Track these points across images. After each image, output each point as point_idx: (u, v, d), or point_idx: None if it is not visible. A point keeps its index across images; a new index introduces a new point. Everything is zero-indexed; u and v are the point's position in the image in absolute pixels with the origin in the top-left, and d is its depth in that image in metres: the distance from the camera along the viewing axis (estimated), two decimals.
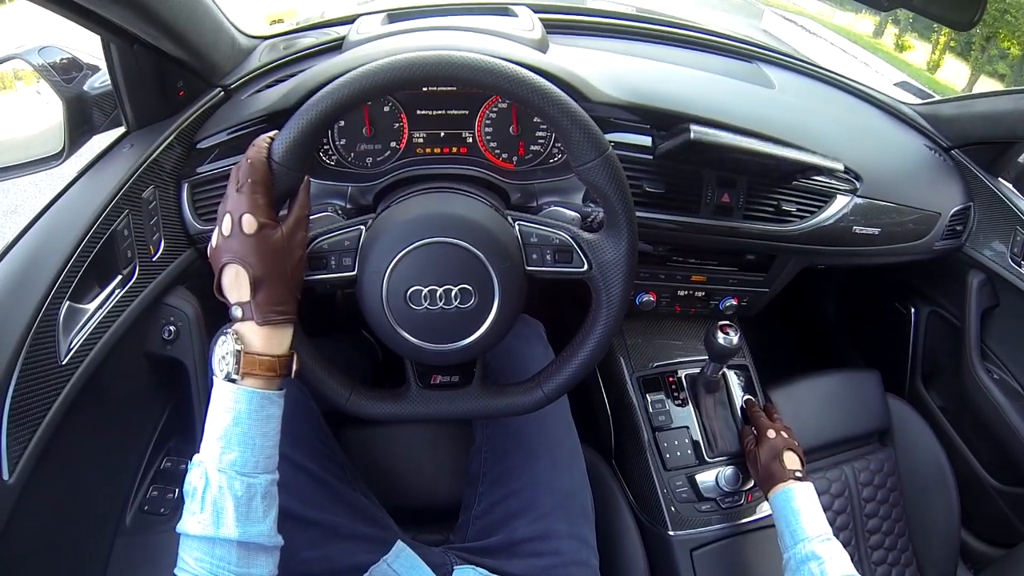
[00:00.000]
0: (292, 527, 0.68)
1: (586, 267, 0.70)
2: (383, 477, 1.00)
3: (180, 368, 0.90)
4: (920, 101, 1.41)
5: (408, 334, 0.68)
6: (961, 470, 1.36)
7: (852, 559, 1.24)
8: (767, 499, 0.95)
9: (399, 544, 0.85)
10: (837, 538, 1.23)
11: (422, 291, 0.66)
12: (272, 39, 1.09)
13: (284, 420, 0.66)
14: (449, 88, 0.89)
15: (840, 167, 0.98)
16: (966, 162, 1.33)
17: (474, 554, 0.88)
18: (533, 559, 0.86)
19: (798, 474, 0.95)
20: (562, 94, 0.64)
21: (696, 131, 0.87)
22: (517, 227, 0.71)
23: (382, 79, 0.62)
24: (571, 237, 0.70)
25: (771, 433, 1.02)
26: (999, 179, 1.32)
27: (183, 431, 0.98)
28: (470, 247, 0.66)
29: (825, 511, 1.22)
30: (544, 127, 0.93)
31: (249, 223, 0.59)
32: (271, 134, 0.64)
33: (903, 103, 1.37)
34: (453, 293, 0.66)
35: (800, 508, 0.90)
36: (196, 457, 0.61)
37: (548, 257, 0.71)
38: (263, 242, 0.60)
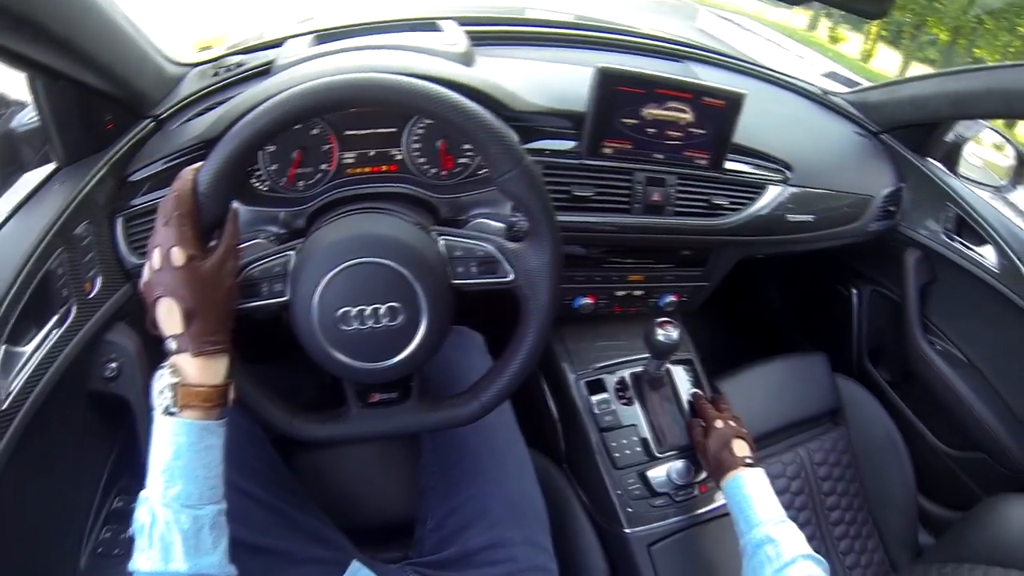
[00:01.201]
0: (244, 555, 0.66)
1: (511, 276, 0.69)
2: (337, 498, 0.96)
3: (125, 405, 0.86)
4: (849, 89, 1.39)
5: (342, 355, 0.66)
6: (913, 440, 1.35)
7: (814, 538, 1.25)
8: (720, 488, 0.92)
9: (354, 564, 0.82)
10: (797, 519, 1.23)
11: (351, 312, 0.64)
12: (202, 66, 1.04)
13: (232, 448, 0.64)
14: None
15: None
16: (895, 145, 1.33)
17: (431, 568, 0.85)
18: (489, 568, 0.83)
19: (748, 461, 0.92)
20: (477, 108, 0.63)
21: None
22: (441, 242, 0.69)
23: (299, 106, 0.60)
24: (495, 248, 0.69)
25: (718, 423, 0.99)
26: (928, 159, 1.32)
27: (133, 469, 0.92)
28: (394, 265, 0.65)
29: (783, 494, 1.22)
30: None
31: (178, 256, 0.58)
32: (196, 166, 0.62)
33: (832, 92, 1.36)
34: (381, 312, 0.65)
35: (752, 494, 0.87)
36: (142, 493, 0.58)
37: (473, 269, 0.69)
38: (193, 274, 0.58)
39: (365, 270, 0.64)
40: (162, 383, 0.58)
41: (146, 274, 0.61)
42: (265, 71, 0.96)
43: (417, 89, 0.62)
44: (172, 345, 0.60)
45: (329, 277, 0.64)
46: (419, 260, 0.66)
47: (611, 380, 1.11)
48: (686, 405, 1.10)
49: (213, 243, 0.63)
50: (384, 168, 0.88)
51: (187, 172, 0.61)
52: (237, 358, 0.65)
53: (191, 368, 0.59)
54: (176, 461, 0.57)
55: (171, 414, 0.58)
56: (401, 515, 0.96)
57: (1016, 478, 1.23)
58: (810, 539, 1.22)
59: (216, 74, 1.00)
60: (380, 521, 0.98)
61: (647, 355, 1.04)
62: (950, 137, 1.31)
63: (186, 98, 0.94)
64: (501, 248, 0.69)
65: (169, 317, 0.59)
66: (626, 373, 1.12)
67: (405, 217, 0.73)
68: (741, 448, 0.95)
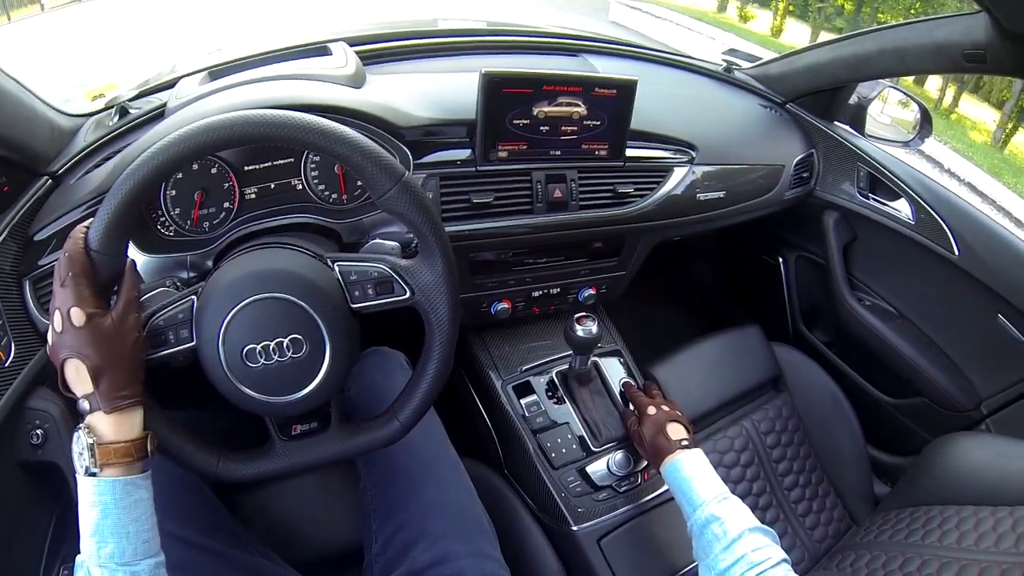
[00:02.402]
0: None
1: (408, 294, 0.67)
2: (282, 534, 0.92)
3: (57, 471, 0.80)
4: (751, 64, 1.38)
5: (253, 392, 0.64)
6: (856, 395, 1.34)
7: (771, 506, 1.22)
8: (660, 474, 0.88)
9: None
10: (751, 489, 1.21)
11: (256, 348, 0.62)
12: (96, 115, 0.99)
13: (167, 497, 0.63)
14: None
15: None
16: (801, 113, 1.32)
17: None
18: None
19: (684, 443, 0.89)
20: (347, 131, 0.62)
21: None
22: (336, 268, 0.67)
23: (176, 153, 0.59)
24: (388, 267, 0.67)
25: (651, 410, 0.95)
26: (835, 123, 1.32)
27: (74, 535, 0.86)
28: (291, 298, 0.62)
29: (733, 467, 1.19)
30: None
31: (77, 316, 0.56)
32: (86, 223, 0.60)
33: (735, 68, 1.34)
34: (285, 344, 0.62)
35: (691, 475, 0.84)
36: (78, 558, 0.57)
37: (370, 291, 0.67)
38: (94, 332, 0.57)
39: (264, 306, 0.62)
40: (80, 444, 0.56)
41: (50, 337, 0.59)
42: (159, 114, 0.91)
43: (288, 122, 0.61)
44: (85, 405, 0.58)
45: (230, 317, 0.61)
46: (315, 290, 0.64)
47: (539, 381, 1.06)
48: (619, 396, 1.06)
49: (114, 299, 0.60)
50: (286, 200, 0.85)
51: (77, 231, 0.60)
52: (154, 408, 0.62)
53: (106, 426, 0.57)
54: (104, 520, 0.56)
55: (92, 474, 0.56)
56: (348, 542, 0.91)
57: (957, 417, 1.22)
58: (767, 507, 1.22)
59: (111, 122, 0.94)
60: (328, 551, 0.94)
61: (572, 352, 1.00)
62: (854, 100, 1.31)
63: (81, 151, 0.89)
64: (394, 267, 0.66)
65: (78, 377, 0.57)
66: (554, 372, 1.08)
67: (299, 248, 0.70)
68: (676, 431, 0.91)
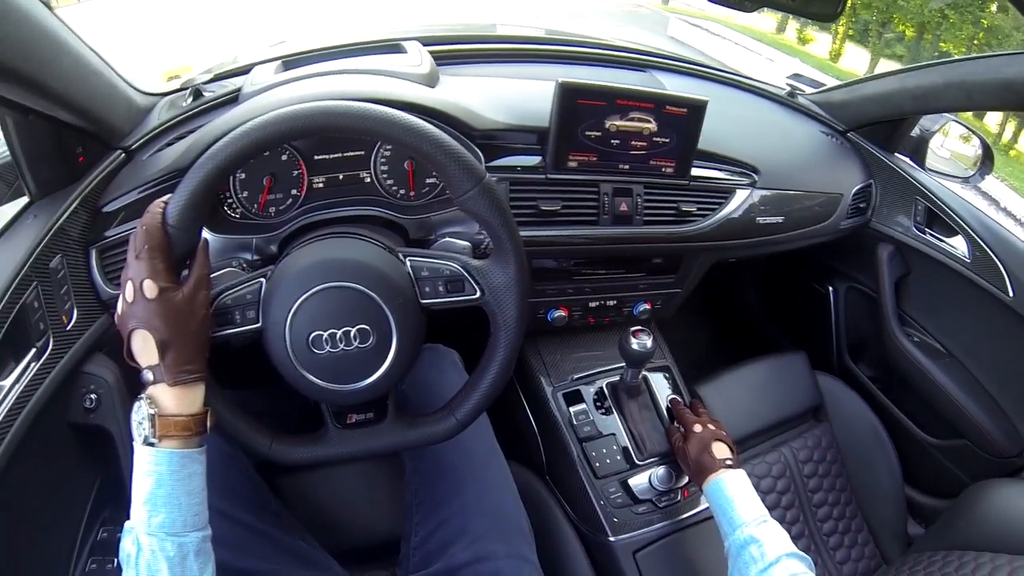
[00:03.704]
0: None
1: (478, 293, 0.67)
2: (323, 519, 0.94)
3: (106, 436, 0.83)
4: (814, 90, 1.37)
5: (316, 378, 0.65)
6: (897, 432, 1.32)
7: (803, 536, 1.21)
8: (702, 491, 0.89)
9: None
10: (784, 517, 1.20)
11: (323, 335, 0.63)
12: (171, 95, 1.02)
13: (216, 474, 0.64)
14: None
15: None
16: (862, 143, 1.31)
17: None
18: None
19: (728, 462, 0.89)
20: (433, 130, 0.62)
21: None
22: (408, 263, 0.68)
23: (258, 138, 0.60)
24: (461, 266, 0.67)
25: (697, 427, 0.95)
26: (895, 155, 1.30)
27: (116, 499, 0.90)
28: (362, 288, 0.63)
29: (769, 493, 1.19)
30: None
31: (150, 288, 0.58)
32: (165, 198, 0.61)
33: (797, 93, 1.33)
34: (352, 334, 0.63)
35: (734, 496, 0.83)
36: (127, 523, 0.58)
37: (441, 288, 0.67)
38: (165, 305, 0.58)
39: (334, 294, 0.63)
40: (140, 414, 0.57)
41: (120, 307, 0.60)
42: (233, 99, 0.94)
43: (374, 115, 0.62)
44: (148, 376, 0.59)
45: (299, 303, 0.62)
46: (386, 282, 0.64)
47: (589, 391, 1.07)
48: (665, 412, 1.06)
49: (185, 273, 0.62)
50: (354, 191, 0.86)
51: (155, 205, 0.61)
52: (214, 385, 0.64)
53: (168, 398, 0.58)
54: (158, 490, 0.56)
55: (151, 444, 0.57)
56: (387, 533, 0.93)
57: (999, 463, 1.20)
58: (798, 537, 1.21)
59: (185, 103, 0.98)
60: (366, 540, 0.95)
61: (623, 364, 1.01)
62: (916, 132, 1.29)
63: (155, 128, 0.92)
64: (466, 266, 0.67)
65: (144, 348, 0.58)
66: (603, 383, 1.08)
67: (372, 240, 0.71)
68: (721, 451, 0.91)
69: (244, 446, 0.68)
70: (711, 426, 0.96)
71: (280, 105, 0.61)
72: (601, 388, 1.07)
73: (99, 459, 0.87)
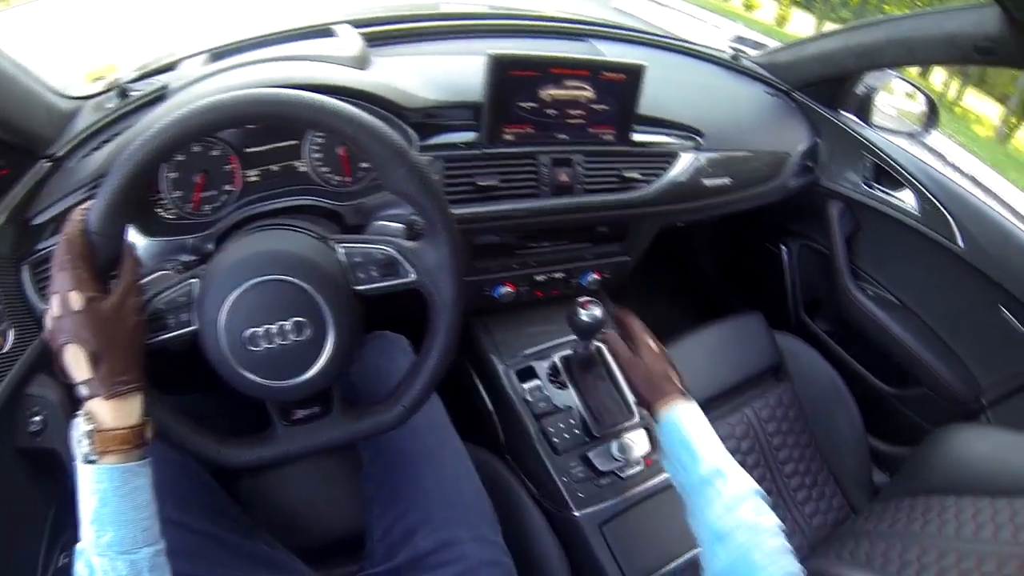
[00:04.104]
0: None
1: (413, 276, 0.66)
2: (285, 520, 0.91)
3: (56, 458, 0.79)
4: (758, 53, 1.36)
5: (254, 376, 0.63)
6: (857, 385, 1.34)
7: (770, 493, 1.21)
8: (655, 420, 0.81)
9: None
10: (751, 477, 1.20)
11: (258, 332, 0.61)
12: (96, 97, 0.97)
13: (168, 484, 0.63)
14: None
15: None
16: (808, 102, 1.31)
17: None
18: (441, 570, 0.79)
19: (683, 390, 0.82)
20: (354, 111, 0.60)
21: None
22: (340, 249, 0.66)
23: (176, 134, 0.57)
24: (393, 249, 0.66)
25: (651, 342, 0.86)
26: (841, 112, 1.31)
27: (75, 523, 0.86)
28: (293, 280, 0.61)
29: (734, 455, 1.15)
30: None
31: (76, 300, 0.55)
32: (86, 205, 0.58)
33: (741, 56, 1.33)
34: (288, 328, 0.61)
35: (694, 428, 0.77)
36: (77, 546, 0.56)
37: (374, 273, 0.66)
38: (93, 316, 0.55)
39: (266, 288, 0.61)
40: (79, 431, 0.55)
41: (48, 322, 0.57)
42: (160, 96, 0.89)
43: (292, 100, 0.59)
44: (84, 391, 0.56)
45: (231, 300, 0.60)
46: (318, 271, 0.62)
47: (542, 366, 1.06)
48: (622, 382, 1.04)
49: (114, 281, 0.59)
50: (289, 182, 0.83)
51: (76, 213, 0.58)
52: (154, 394, 0.61)
53: (105, 412, 0.56)
54: (104, 508, 0.55)
55: (91, 462, 0.55)
56: (351, 528, 0.91)
57: (958, 408, 1.23)
58: (767, 494, 1.21)
59: (111, 105, 0.93)
60: (331, 537, 0.93)
61: (575, 336, 0.99)
62: (861, 89, 1.30)
63: (81, 133, 0.87)
64: (399, 248, 0.65)
65: (76, 363, 0.56)
66: (556, 357, 1.07)
67: (302, 230, 0.69)
68: (676, 377, 0.84)
69: (191, 453, 0.66)
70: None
71: (205, 97, 0.58)
72: (554, 362, 1.06)
73: (52, 483, 0.83)
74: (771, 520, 0.67)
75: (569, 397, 1.02)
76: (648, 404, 0.82)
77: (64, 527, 0.86)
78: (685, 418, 0.78)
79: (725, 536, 0.67)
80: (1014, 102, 11.95)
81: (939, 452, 1.09)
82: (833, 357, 1.36)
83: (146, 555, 0.56)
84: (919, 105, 1.32)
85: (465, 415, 0.92)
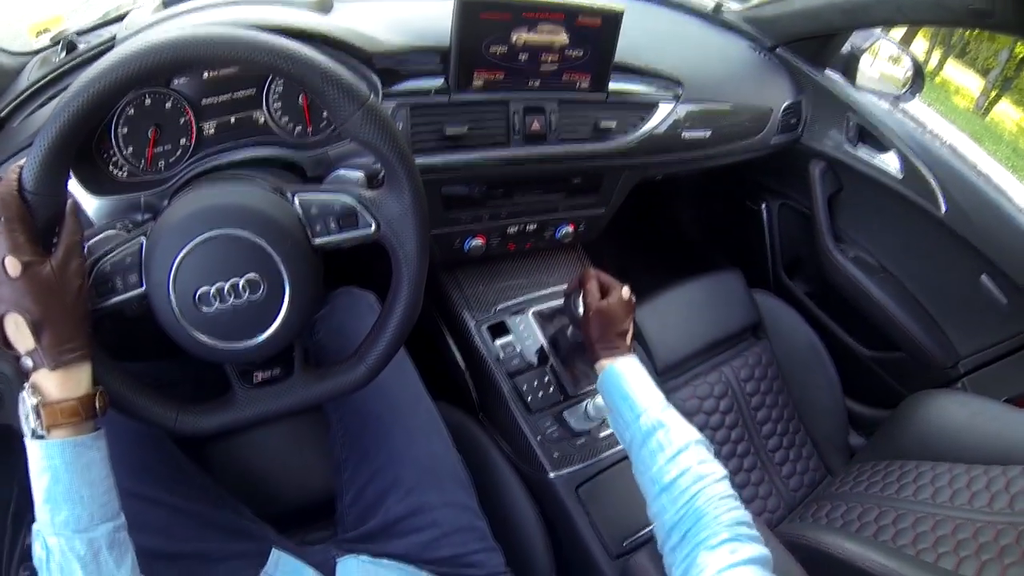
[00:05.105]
0: (159, 566, 0.62)
1: (373, 227, 0.63)
2: (254, 487, 0.89)
3: (14, 434, 0.75)
4: (740, 6, 1.32)
5: (208, 338, 0.59)
6: (835, 346, 1.34)
7: (748, 453, 1.22)
8: (595, 366, 0.82)
9: (275, 552, 0.75)
10: (729, 436, 1.20)
11: (209, 291, 0.57)
12: (42, 53, 0.91)
13: (126, 455, 0.62)
14: (230, 70, 0.77)
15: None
16: (791, 58, 1.28)
17: (355, 542, 0.79)
18: (413, 536, 0.78)
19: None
20: (306, 51, 0.56)
21: None
22: (296, 200, 0.62)
23: (112, 80, 0.52)
24: (353, 198, 0.62)
25: (626, 292, 0.86)
26: (825, 71, 1.28)
27: None
28: (245, 234, 0.58)
29: (712, 413, 1.19)
30: None
31: (12, 266, 0.51)
32: (20, 163, 0.54)
33: (723, 9, 1.29)
34: (241, 285, 0.58)
35: (634, 380, 0.77)
36: (34, 527, 0.53)
37: (332, 225, 0.62)
38: (32, 282, 0.52)
39: (216, 244, 0.57)
40: (25, 406, 0.53)
41: None
42: (109, 48, 0.83)
43: (237, 41, 0.54)
44: (28, 363, 0.53)
45: (179, 257, 0.57)
46: (272, 224, 0.59)
47: (515, 321, 1.03)
48: None
49: (55, 243, 0.55)
50: (247, 133, 0.79)
51: (10, 172, 0.54)
52: (105, 361, 0.58)
53: (51, 384, 0.53)
54: (56, 486, 0.52)
55: (40, 437, 0.52)
56: (322, 492, 0.89)
57: (935, 374, 1.23)
58: (744, 455, 1.22)
59: (57, 59, 0.87)
60: (301, 502, 0.91)
61: (549, 290, 0.97)
62: (846, 49, 1.28)
63: (25, 90, 0.81)
64: (359, 198, 0.62)
65: (18, 333, 0.53)
66: (530, 312, 1.04)
67: (256, 181, 0.65)
68: (629, 336, 0.84)
69: (148, 421, 0.62)
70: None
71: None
72: (528, 318, 1.03)
73: (13, 461, 0.79)
74: (714, 467, 0.66)
75: (543, 354, 1.01)
76: (594, 353, 0.82)
77: (28, 507, 0.83)
78: (626, 370, 0.78)
79: (670, 486, 0.66)
80: (994, 75, 12.05)
81: (916, 417, 1.09)
82: (812, 318, 1.36)
83: (104, 532, 0.54)
84: (903, 70, 1.29)
85: (438, 374, 0.90)
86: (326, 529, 0.87)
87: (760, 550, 0.58)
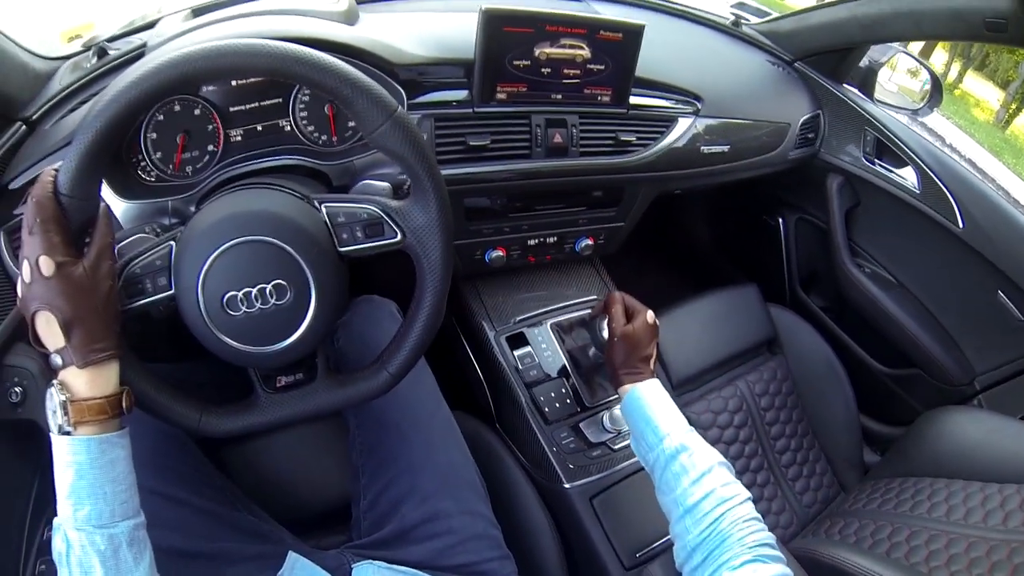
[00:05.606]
0: (176, 565, 0.63)
1: (399, 236, 0.63)
2: (271, 490, 0.89)
3: (37, 430, 0.77)
4: (760, 20, 1.33)
5: (235, 342, 0.61)
6: (851, 362, 1.33)
7: (762, 468, 1.22)
8: (616, 390, 0.83)
9: (291, 556, 0.76)
10: (743, 451, 1.21)
11: (237, 295, 0.59)
12: (74, 58, 0.94)
13: (150, 454, 0.63)
14: (257, 79, 0.79)
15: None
16: (810, 72, 1.29)
17: (370, 548, 0.79)
18: (428, 543, 0.78)
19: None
20: (336, 62, 0.57)
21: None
22: (323, 209, 0.63)
23: (147, 88, 0.54)
24: (378, 208, 0.63)
25: (651, 316, 0.87)
26: (844, 85, 1.29)
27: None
28: (274, 241, 0.59)
29: (727, 428, 1.19)
30: None
31: (46, 265, 0.53)
32: (56, 166, 0.55)
33: (743, 23, 1.30)
34: (268, 291, 0.59)
35: (657, 404, 0.79)
36: (55, 521, 0.54)
37: (359, 233, 0.63)
38: (65, 282, 0.53)
39: (245, 250, 0.59)
40: (52, 402, 0.54)
41: (20, 289, 0.55)
42: (140, 54, 0.86)
43: (269, 51, 0.56)
44: (57, 360, 0.55)
45: (209, 262, 0.58)
46: (299, 232, 0.60)
47: (534, 333, 1.04)
48: None
49: (87, 245, 0.56)
50: (274, 141, 0.81)
51: (46, 174, 0.55)
52: (133, 361, 0.59)
53: (79, 382, 0.54)
54: (80, 481, 0.53)
55: (66, 433, 0.54)
56: (338, 498, 0.90)
57: (951, 391, 1.22)
58: (758, 470, 1.22)
59: (89, 64, 0.90)
60: (318, 507, 0.92)
61: (568, 303, 0.98)
62: (864, 63, 1.28)
63: (57, 94, 0.84)
64: (385, 208, 0.63)
65: (49, 331, 0.54)
66: (548, 324, 1.05)
67: (284, 189, 0.66)
68: (653, 361, 0.86)
69: (172, 422, 0.64)
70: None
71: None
72: (547, 329, 1.04)
73: (35, 455, 0.82)
74: (738, 490, 0.67)
75: (561, 366, 1.01)
76: (617, 378, 0.84)
77: (49, 500, 0.84)
78: (647, 394, 0.80)
79: (694, 508, 0.67)
80: (1014, 87, 11.95)
81: (930, 434, 1.09)
82: (828, 333, 1.36)
83: (125, 529, 0.54)
84: (920, 83, 1.30)
85: (456, 383, 0.91)
86: (341, 534, 0.87)
87: (782, 569, 0.59)
